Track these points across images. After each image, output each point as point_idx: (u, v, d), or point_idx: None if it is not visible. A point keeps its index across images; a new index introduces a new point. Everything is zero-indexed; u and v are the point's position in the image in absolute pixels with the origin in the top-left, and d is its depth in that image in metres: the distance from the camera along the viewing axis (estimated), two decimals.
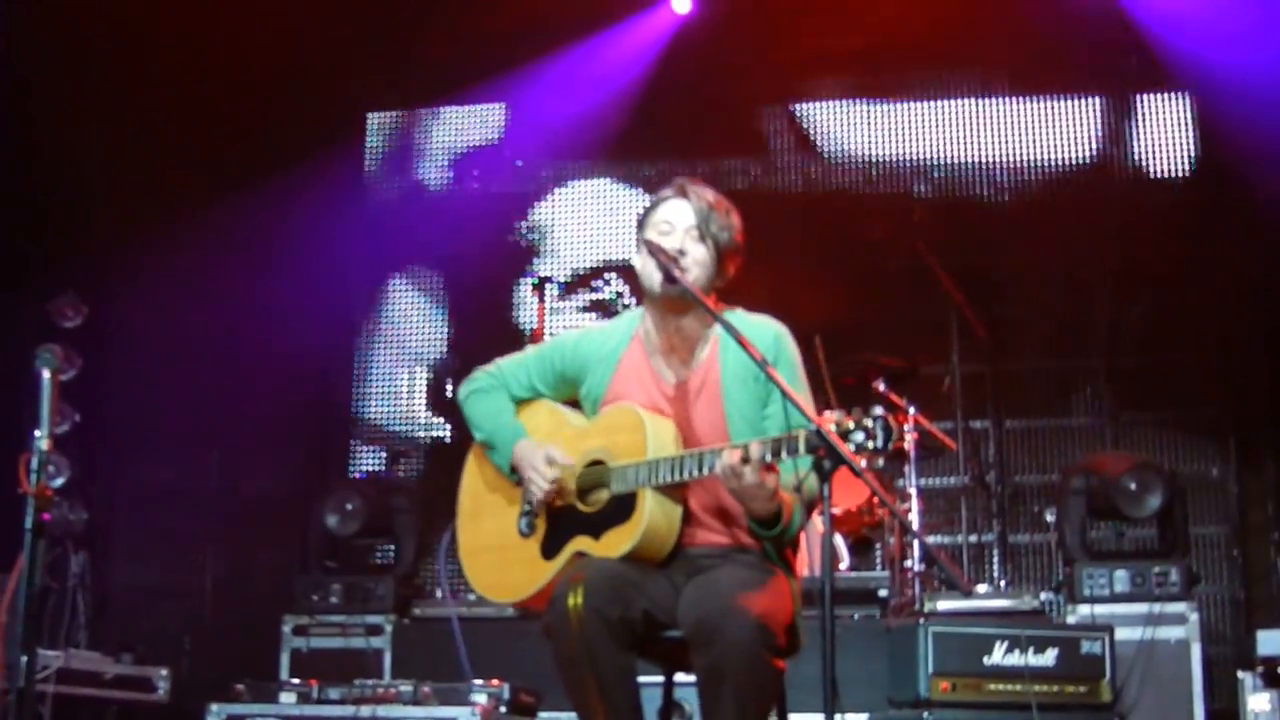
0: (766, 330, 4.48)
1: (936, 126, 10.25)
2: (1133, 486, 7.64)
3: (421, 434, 10.67)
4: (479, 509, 4.72)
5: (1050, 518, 8.23)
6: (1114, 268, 9.84)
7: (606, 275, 10.27)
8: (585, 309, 10.29)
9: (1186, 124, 9.94)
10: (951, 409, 9.24)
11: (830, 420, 3.89)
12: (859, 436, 3.85)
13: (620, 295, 8.98)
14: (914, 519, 8.48)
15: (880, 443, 3.85)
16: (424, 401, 10.70)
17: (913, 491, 8.49)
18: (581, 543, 4.38)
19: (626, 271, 10.02)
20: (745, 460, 4.04)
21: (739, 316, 4.51)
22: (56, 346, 5.02)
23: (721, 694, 3.97)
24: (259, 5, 9.33)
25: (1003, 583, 9.17)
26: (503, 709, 6.24)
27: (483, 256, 10.75)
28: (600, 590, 4.08)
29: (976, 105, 10.23)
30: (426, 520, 8.69)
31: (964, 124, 10.21)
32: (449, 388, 10.56)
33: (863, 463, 3.88)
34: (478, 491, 4.75)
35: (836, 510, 8.11)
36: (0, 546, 5.21)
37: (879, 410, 3.86)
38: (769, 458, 4.04)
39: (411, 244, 10.96)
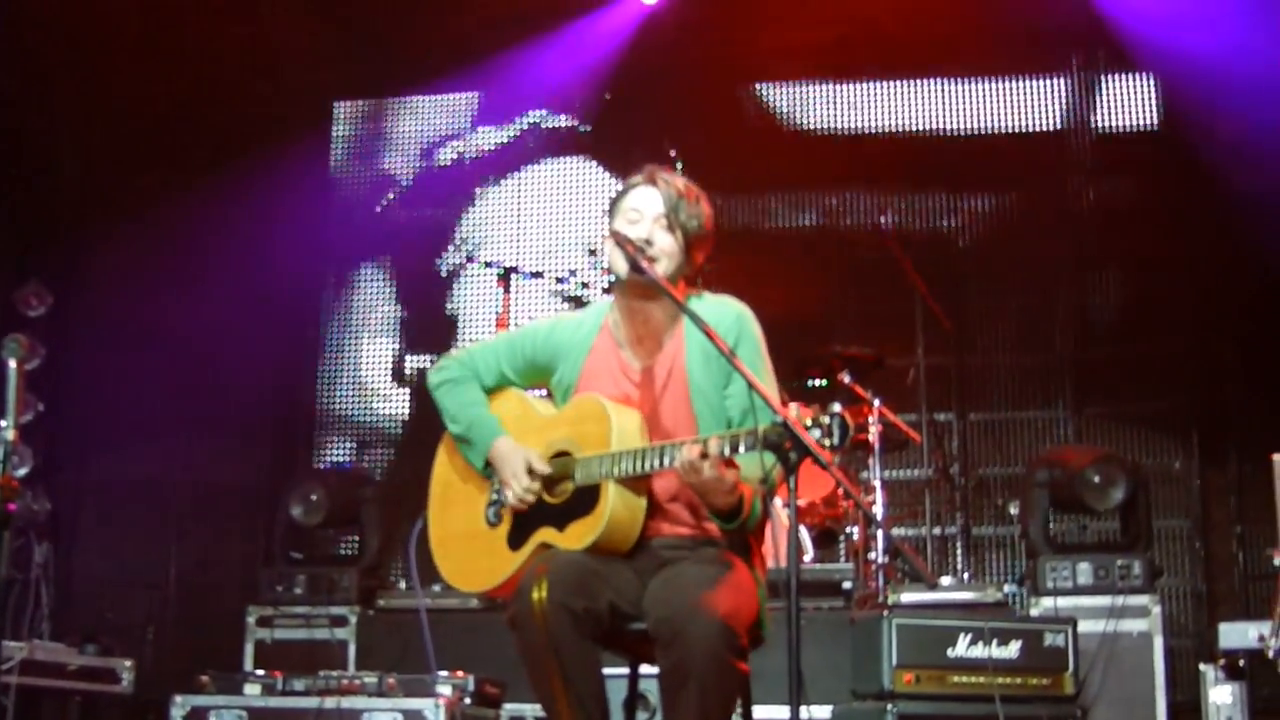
0: (729, 310, 4.47)
1: (903, 116, 10.25)
2: (1096, 479, 7.67)
3: (388, 424, 10.65)
4: (449, 498, 4.71)
5: (1014, 510, 8.25)
6: (1079, 261, 9.89)
7: (573, 266, 10.26)
8: (554, 298, 10.29)
9: (1154, 113, 9.97)
10: (916, 401, 9.26)
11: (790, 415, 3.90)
12: (816, 434, 3.86)
13: (586, 286, 8.98)
14: (878, 511, 8.50)
15: (837, 440, 3.85)
16: (389, 392, 10.68)
17: (876, 484, 8.49)
18: (547, 534, 4.37)
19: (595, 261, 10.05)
20: (704, 455, 4.03)
21: (703, 299, 4.50)
22: (21, 336, 4.99)
23: (684, 695, 3.96)
24: None
25: (966, 575, 9.20)
26: (467, 700, 6.23)
27: (448, 246, 10.75)
28: (565, 583, 4.07)
29: (942, 95, 10.24)
30: (392, 511, 8.67)
31: (931, 114, 10.22)
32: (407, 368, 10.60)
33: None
34: (448, 480, 4.73)
35: (800, 502, 8.12)
36: None
37: (836, 407, 3.87)
38: (727, 452, 4.04)
39: (378, 233, 10.95)
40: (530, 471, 4.44)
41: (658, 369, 4.50)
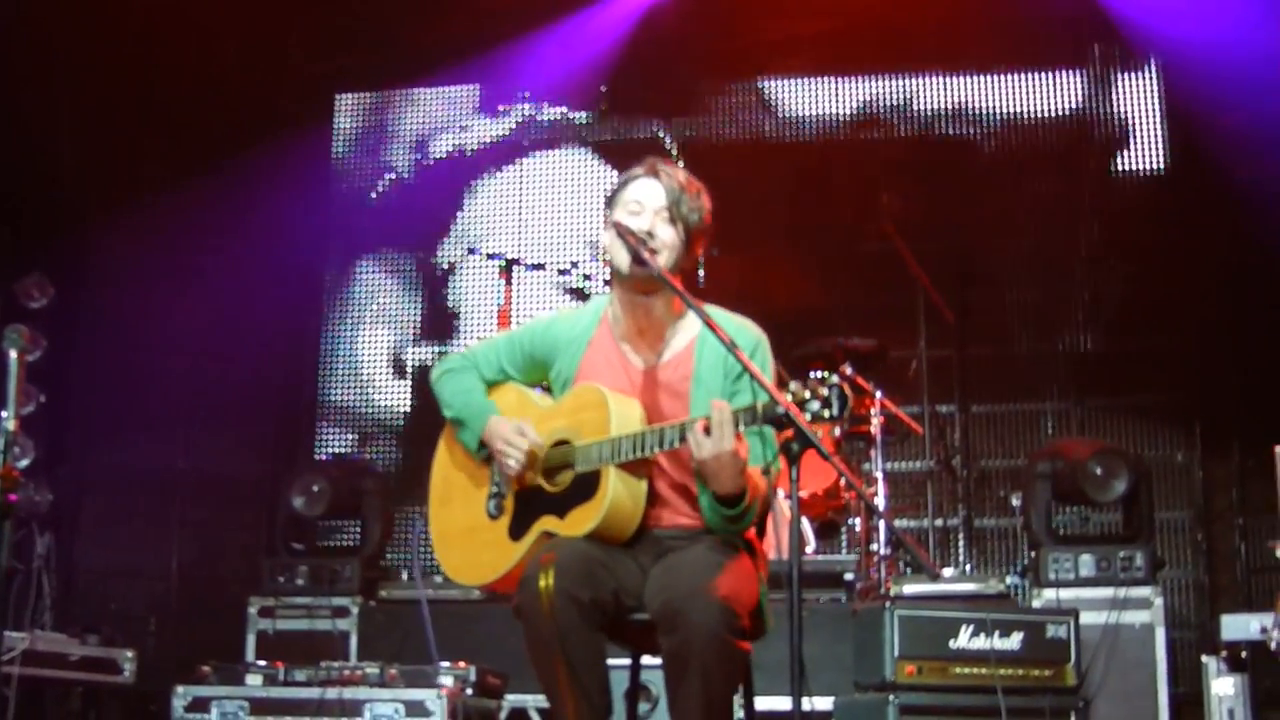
0: (747, 334, 4.45)
1: (906, 108, 10.22)
2: (1098, 471, 7.67)
3: (389, 416, 10.65)
4: (449, 493, 4.72)
5: (1016, 502, 8.25)
6: (1082, 254, 9.88)
7: (575, 259, 10.25)
8: (557, 291, 10.29)
9: (1161, 109, 9.94)
10: (918, 393, 9.25)
11: (787, 392, 3.89)
12: (815, 405, 3.85)
13: (589, 278, 8.99)
14: (880, 502, 8.50)
15: (836, 410, 3.85)
16: (390, 383, 10.68)
17: (879, 475, 8.50)
18: (548, 522, 4.37)
19: (596, 253, 10.04)
20: (708, 430, 4.04)
21: (721, 314, 4.48)
22: (23, 327, 4.99)
23: (687, 676, 3.97)
24: None
25: (968, 567, 9.21)
26: (469, 691, 6.23)
27: (450, 238, 10.76)
28: (572, 572, 4.08)
29: (946, 87, 10.22)
30: (394, 502, 8.67)
31: (934, 106, 10.19)
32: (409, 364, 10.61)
33: (819, 433, 3.88)
34: (448, 475, 4.74)
35: (802, 493, 8.11)
36: None
37: (834, 379, 3.87)
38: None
39: (379, 225, 10.94)
40: (522, 433, 4.44)
41: (662, 369, 4.50)
